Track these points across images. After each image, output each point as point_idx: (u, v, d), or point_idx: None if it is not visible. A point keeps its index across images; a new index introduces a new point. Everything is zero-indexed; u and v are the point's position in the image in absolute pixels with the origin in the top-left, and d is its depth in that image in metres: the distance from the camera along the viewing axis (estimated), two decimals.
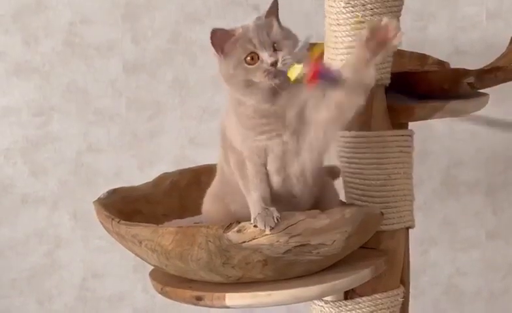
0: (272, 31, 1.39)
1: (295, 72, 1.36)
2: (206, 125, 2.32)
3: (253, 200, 1.46)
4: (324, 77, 1.36)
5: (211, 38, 1.39)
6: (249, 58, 1.38)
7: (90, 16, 2.26)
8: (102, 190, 1.69)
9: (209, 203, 1.61)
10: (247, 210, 1.48)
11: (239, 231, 1.44)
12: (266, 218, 1.43)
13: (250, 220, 1.45)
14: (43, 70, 2.26)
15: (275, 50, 1.38)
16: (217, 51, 1.41)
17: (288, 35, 1.41)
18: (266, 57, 1.37)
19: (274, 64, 1.37)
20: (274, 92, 1.40)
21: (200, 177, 1.77)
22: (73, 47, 2.26)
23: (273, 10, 1.41)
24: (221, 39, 1.40)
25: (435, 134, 2.37)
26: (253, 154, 1.46)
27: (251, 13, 2.30)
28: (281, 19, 2.27)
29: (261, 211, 1.44)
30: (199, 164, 1.84)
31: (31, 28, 2.24)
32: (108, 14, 2.27)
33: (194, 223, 1.63)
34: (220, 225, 1.46)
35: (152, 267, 1.65)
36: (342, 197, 1.72)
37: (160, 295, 1.61)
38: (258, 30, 1.38)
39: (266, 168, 1.48)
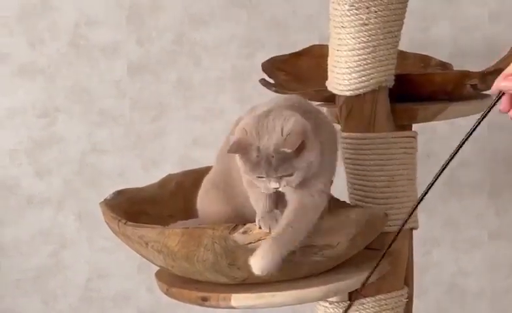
0: (279, 168, 1.41)
1: None
2: (209, 126, 2.33)
3: (259, 205, 1.49)
4: None
5: (231, 149, 1.43)
6: (257, 177, 1.43)
7: (95, 18, 2.27)
8: (106, 191, 1.70)
9: (209, 193, 1.63)
10: (249, 205, 1.51)
11: (245, 232, 1.46)
12: (269, 221, 1.45)
13: (252, 219, 1.47)
14: (48, 71, 2.27)
15: (282, 177, 1.42)
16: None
17: (300, 166, 1.42)
18: (270, 186, 1.43)
19: (277, 188, 1.43)
20: None
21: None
22: (78, 49, 2.27)
23: (294, 144, 1.40)
24: (238, 150, 1.44)
25: (438, 135, 2.38)
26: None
27: (254, 15, 2.31)
28: (285, 22, 2.31)
29: (264, 214, 1.46)
30: (203, 165, 1.84)
31: (36, 29, 2.25)
32: (113, 16, 2.28)
33: (199, 224, 1.63)
34: (226, 226, 1.47)
35: (157, 268, 1.66)
36: (346, 198, 1.73)
37: (165, 295, 1.62)
38: (267, 165, 1.41)
39: None
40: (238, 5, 2.31)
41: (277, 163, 1.41)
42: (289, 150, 1.40)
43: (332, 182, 1.54)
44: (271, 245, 1.43)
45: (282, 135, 1.41)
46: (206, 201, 1.63)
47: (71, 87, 2.28)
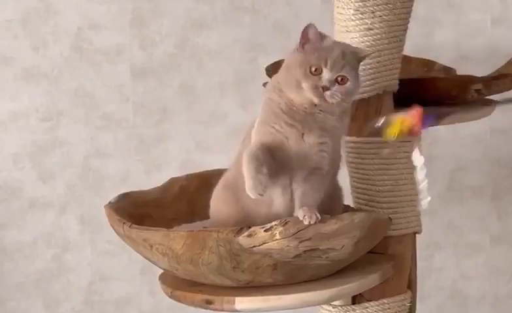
0: (346, 67, 1.48)
1: (393, 130, 1.46)
2: (212, 130, 2.33)
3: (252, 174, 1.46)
4: (426, 122, 1.46)
5: (304, 30, 1.48)
6: (314, 69, 1.47)
7: (98, 22, 2.27)
8: (109, 195, 1.70)
9: (220, 192, 1.62)
10: (257, 208, 1.52)
11: (249, 235, 1.46)
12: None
13: (261, 222, 1.48)
14: (51, 75, 2.27)
15: (336, 81, 1.47)
16: (300, 41, 1.49)
17: (355, 83, 1.50)
18: (325, 78, 1.46)
19: (325, 88, 1.46)
20: (310, 107, 1.48)
21: (208, 182, 1.77)
22: (81, 53, 2.28)
23: (362, 59, 1.52)
24: (310, 36, 1.49)
25: (441, 139, 2.38)
26: (264, 136, 1.50)
27: (257, 19, 2.32)
28: (288, 26, 2.31)
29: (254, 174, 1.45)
30: (206, 169, 1.85)
31: (40, 33, 2.25)
32: (116, 20, 2.28)
33: (204, 227, 1.64)
34: (230, 229, 1.47)
35: (160, 272, 1.66)
36: (350, 202, 1.74)
37: (167, 299, 1.62)
38: (339, 57, 1.47)
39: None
40: (241, 9, 2.31)
41: (346, 61, 1.46)
42: (366, 53, 1.50)
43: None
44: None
45: (354, 46, 1.52)
46: (218, 201, 1.63)
47: (74, 90, 2.29)
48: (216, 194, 1.64)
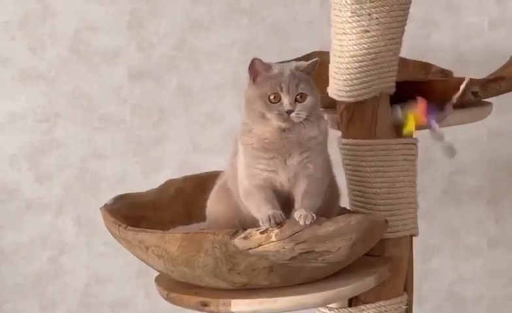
0: (300, 85, 1.52)
1: (411, 123, 1.50)
2: (210, 132, 2.33)
3: (262, 210, 1.50)
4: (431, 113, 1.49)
5: (250, 65, 1.53)
6: (272, 97, 1.51)
7: (96, 23, 2.27)
8: (106, 196, 1.70)
9: (215, 195, 1.65)
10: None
11: (245, 237, 1.46)
12: (273, 217, 1.47)
13: (255, 223, 1.48)
14: (49, 77, 2.27)
15: (296, 101, 1.51)
16: (250, 76, 1.54)
17: (314, 95, 1.54)
18: (286, 102, 1.50)
19: (289, 112, 1.50)
20: (280, 134, 1.52)
21: (205, 184, 1.77)
22: (79, 54, 2.27)
23: (311, 68, 1.55)
24: (257, 69, 1.53)
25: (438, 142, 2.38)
26: (255, 180, 1.54)
27: (255, 21, 2.32)
28: (286, 28, 2.32)
29: (270, 213, 1.48)
30: (203, 171, 1.85)
31: (37, 34, 2.25)
32: (114, 21, 2.28)
33: (200, 229, 1.64)
34: (226, 231, 1.47)
35: (156, 274, 1.66)
36: (347, 205, 1.74)
37: (164, 301, 1.62)
38: (290, 78, 1.52)
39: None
40: (239, 11, 2.31)
41: (298, 80, 1.51)
42: (310, 65, 1.53)
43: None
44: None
45: (299, 62, 1.56)
46: (214, 203, 1.65)
47: (72, 92, 2.28)
48: (212, 196, 1.65)
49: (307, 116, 1.51)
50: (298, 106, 1.50)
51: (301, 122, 1.50)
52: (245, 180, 1.55)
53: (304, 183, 1.53)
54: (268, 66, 1.53)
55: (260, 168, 1.53)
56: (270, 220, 1.47)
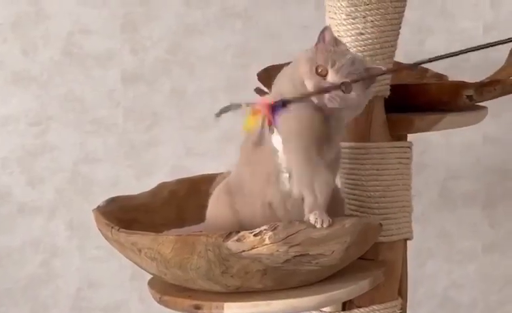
0: (353, 76, 1.44)
1: (250, 123, 1.44)
2: (203, 136, 2.33)
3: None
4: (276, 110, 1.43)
5: (322, 32, 1.46)
6: (321, 69, 1.45)
7: (89, 26, 2.26)
8: (99, 200, 1.69)
9: (219, 196, 1.60)
10: (254, 215, 1.51)
11: (238, 240, 1.45)
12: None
13: (253, 226, 1.46)
14: (41, 80, 2.26)
15: (339, 87, 1.43)
16: (318, 40, 1.47)
17: (360, 97, 1.46)
18: (329, 79, 1.43)
19: (327, 91, 1.42)
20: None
21: (198, 187, 1.76)
22: (71, 57, 2.27)
23: (375, 73, 1.48)
24: (326, 38, 1.47)
25: (432, 146, 2.38)
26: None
27: (249, 25, 2.31)
28: (280, 32, 2.31)
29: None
30: (197, 175, 1.84)
31: (30, 37, 2.24)
32: (107, 24, 2.27)
33: (193, 232, 1.62)
34: (219, 234, 1.46)
35: (149, 278, 1.65)
36: None
37: (157, 305, 1.61)
38: (347, 64, 1.44)
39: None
40: (233, 15, 2.31)
41: (355, 71, 1.43)
42: (381, 67, 1.48)
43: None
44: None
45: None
46: (215, 205, 1.61)
47: (64, 95, 2.28)
48: (213, 199, 1.62)
49: (340, 106, 1.43)
50: (338, 92, 1.42)
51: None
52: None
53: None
54: (336, 42, 1.46)
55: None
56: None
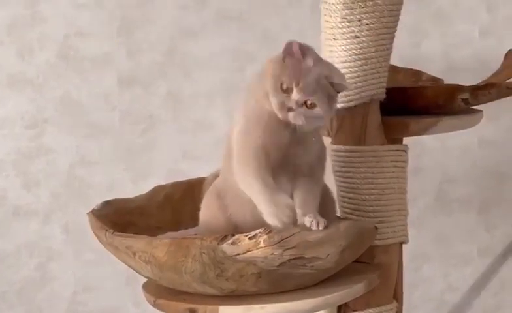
0: (319, 94, 1.43)
1: None
2: (199, 139, 2.32)
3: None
4: None
5: (288, 44, 1.45)
6: (285, 85, 1.43)
7: (85, 29, 2.26)
8: (94, 203, 1.68)
9: (209, 199, 1.60)
10: (244, 218, 1.51)
11: (233, 243, 1.44)
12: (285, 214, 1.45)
13: (245, 229, 1.46)
14: (37, 82, 2.26)
15: (305, 105, 1.43)
16: (283, 53, 1.46)
17: (325, 112, 1.45)
18: (293, 99, 1.42)
19: (291, 109, 1.42)
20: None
21: (193, 190, 1.76)
22: (67, 60, 2.26)
23: (341, 88, 1.47)
24: (293, 51, 1.45)
25: (428, 150, 2.38)
26: (254, 152, 1.47)
27: (245, 28, 2.31)
28: (276, 35, 2.31)
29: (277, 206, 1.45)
30: (193, 178, 1.84)
31: (26, 40, 2.24)
32: (103, 27, 2.27)
33: (188, 235, 1.62)
34: (214, 237, 1.46)
35: (144, 281, 1.65)
36: (337, 211, 1.73)
37: (152, 309, 1.60)
38: (312, 82, 1.43)
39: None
40: (229, 18, 2.31)
41: (321, 88, 1.43)
42: (343, 83, 1.44)
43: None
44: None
45: (335, 70, 1.47)
46: (206, 209, 1.61)
47: (60, 98, 2.27)
48: (205, 201, 1.62)
49: (305, 124, 1.43)
50: (303, 109, 1.42)
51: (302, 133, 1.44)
52: (240, 147, 1.47)
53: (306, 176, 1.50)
54: (303, 55, 1.44)
55: (257, 134, 1.45)
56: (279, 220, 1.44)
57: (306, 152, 1.49)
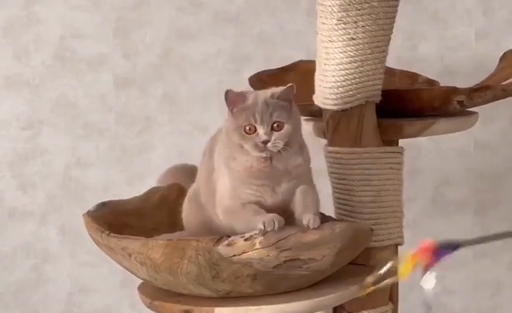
0: (275, 113, 1.49)
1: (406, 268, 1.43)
2: (195, 141, 2.32)
3: (255, 219, 1.48)
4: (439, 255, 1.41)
5: (225, 96, 1.51)
6: (248, 128, 1.49)
7: (81, 30, 2.26)
8: (90, 205, 1.68)
9: (187, 204, 1.66)
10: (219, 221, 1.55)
11: (229, 244, 1.45)
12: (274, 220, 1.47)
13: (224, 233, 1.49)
14: (33, 84, 2.26)
15: (272, 130, 1.49)
16: (228, 107, 1.52)
17: (291, 122, 1.51)
18: (261, 133, 1.49)
19: (266, 142, 1.48)
20: (265, 162, 1.51)
21: None
22: (63, 61, 2.26)
23: (288, 95, 1.52)
24: (233, 99, 1.51)
25: (424, 152, 2.38)
26: (241, 201, 1.53)
27: (242, 30, 2.31)
28: (272, 38, 2.31)
29: (268, 218, 1.47)
30: None
31: (22, 41, 2.24)
32: (99, 29, 2.27)
33: (184, 237, 1.62)
34: (210, 238, 1.46)
35: (140, 282, 1.65)
36: (332, 213, 1.73)
37: (148, 310, 1.60)
38: (264, 108, 1.49)
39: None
40: (225, 20, 2.31)
41: (273, 108, 1.49)
42: (286, 89, 1.50)
43: None
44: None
45: (276, 88, 1.52)
46: (186, 212, 1.66)
47: (56, 99, 2.27)
48: (184, 206, 1.67)
49: (286, 144, 1.49)
50: (275, 135, 1.49)
51: (281, 150, 1.48)
52: (228, 200, 1.53)
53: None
54: (242, 96, 1.51)
55: (247, 192, 1.52)
56: (271, 224, 1.45)
57: (293, 173, 1.52)
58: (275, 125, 1.49)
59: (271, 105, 1.50)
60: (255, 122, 1.48)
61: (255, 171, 1.51)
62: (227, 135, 1.53)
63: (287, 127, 1.50)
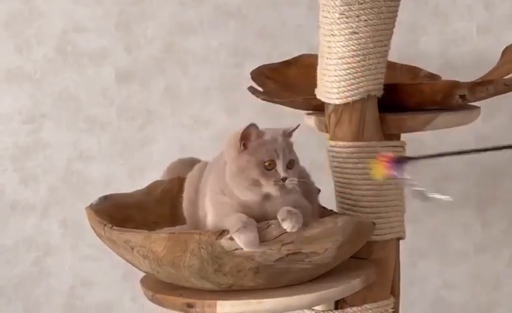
0: (290, 152, 1.53)
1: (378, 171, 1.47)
2: (197, 134, 2.32)
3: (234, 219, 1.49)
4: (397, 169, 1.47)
5: (246, 131, 1.50)
6: (268, 163, 1.49)
7: (83, 24, 2.26)
8: (92, 198, 1.69)
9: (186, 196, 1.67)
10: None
11: (231, 238, 1.45)
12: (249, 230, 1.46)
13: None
14: (35, 78, 2.26)
15: (288, 168, 1.51)
16: (240, 143, 1.51)
17: (298, 160, 1.55)
18: (281, 170, 1.50)
19: (284, 179, 1.50)
20: (262, 202, 1.51)
21: None
22: (65, 55, 2.26)
23: (292, 133, 1.55)
24: (252, 134, 1.51)
25: (425, 147, 2.38)
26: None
27: (243, 24, 2.31)
28: (274, 32, 2.31)
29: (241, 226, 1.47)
30: None
31: (24, 35, 2.24)
32: (101, 22, 2.27)
33: (186, 230, 1.62)
34: (212, 231, 1.46)
35: (142, 276, 1.65)
36: (334, 207, 1.73)
37: (149, 304, 1.60)
38: (283, 145, 1.51)
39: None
40: (227, 14, 2.31)
41: (289, 146, 1.52)
42: (293, 126, 1.54)
43: None
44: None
45: (285, 127, 1.55)
46: (186, 204, 1.67)
47: (58, 93, 2.27)
48: (184, 198, 1.68)
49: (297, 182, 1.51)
50: (290, 173, 1.50)
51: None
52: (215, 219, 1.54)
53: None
54: (261, 133, 1.52)
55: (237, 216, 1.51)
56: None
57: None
58: (289, 163, 1.51)
59: (287, 143, 1.53)
60: (278, 157, 1.50)
61: (247, 208, 1.50)
62: (240, 172, 1.50)
63: (296, 165, 1.53)
